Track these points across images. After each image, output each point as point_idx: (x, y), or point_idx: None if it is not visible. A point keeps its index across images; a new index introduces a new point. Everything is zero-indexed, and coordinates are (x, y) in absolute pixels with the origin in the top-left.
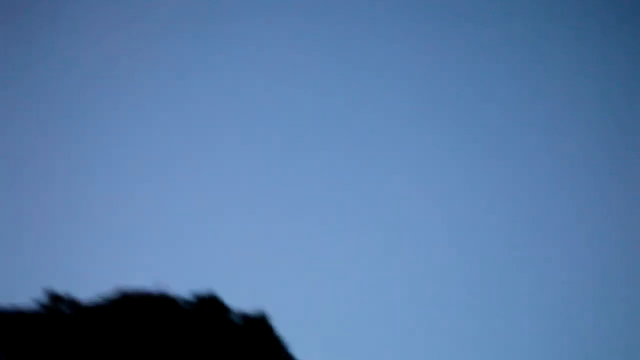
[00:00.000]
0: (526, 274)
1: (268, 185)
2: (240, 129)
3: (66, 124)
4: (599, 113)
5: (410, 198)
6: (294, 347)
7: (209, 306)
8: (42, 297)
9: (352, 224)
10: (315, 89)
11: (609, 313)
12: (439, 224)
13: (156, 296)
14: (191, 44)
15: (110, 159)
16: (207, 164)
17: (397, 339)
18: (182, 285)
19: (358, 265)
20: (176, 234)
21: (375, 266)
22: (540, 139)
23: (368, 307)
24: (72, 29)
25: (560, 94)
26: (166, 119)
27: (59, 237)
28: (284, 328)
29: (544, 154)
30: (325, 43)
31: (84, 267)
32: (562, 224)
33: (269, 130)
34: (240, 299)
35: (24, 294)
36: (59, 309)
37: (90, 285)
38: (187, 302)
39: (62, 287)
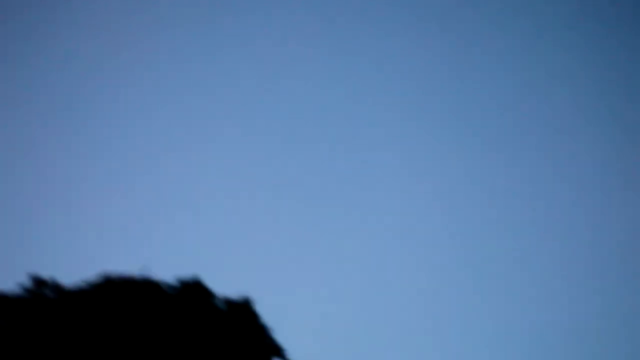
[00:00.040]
0: (526, 273)
1: (265, 181)
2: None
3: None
4: (600, 112)
5: (410, 198)
6: (278, 333)
7: (193, 291)
8: (26, 282)
9: (349, 222)
10: (315, 86)
11: (609, 313)
12: (439, 223)
13: (140, 281)
14: (189, 38)
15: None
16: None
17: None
18: (170, 273)
19: (358, 264)
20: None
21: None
22: (541, 138)
23: (367, 307)
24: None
25: (561, 91)
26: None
27: (44, 222)
28: (270, 314)
29: (544, 153)
30: (326, 39)
31: (69, 254)
32: (563, 223)
33: (265, 125)
34: (230, 288)
35: (7, 279)
36: (42, 293)
37: (75, 271)
38: (171, 287)
39: (47, 272)
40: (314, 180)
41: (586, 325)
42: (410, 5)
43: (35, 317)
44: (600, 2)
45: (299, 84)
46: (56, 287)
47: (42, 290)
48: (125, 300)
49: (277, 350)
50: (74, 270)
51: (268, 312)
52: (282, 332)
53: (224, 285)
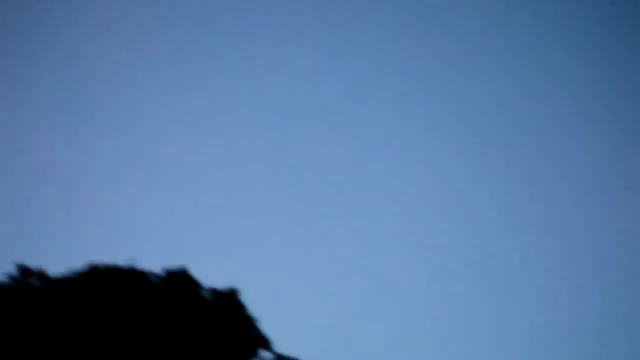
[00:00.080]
0: (526, 273)
1: (264, 180)
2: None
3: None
4: (600, 112)
5: (410, 197)
6: (263, 324)
7: (179, 281)
8: (13, 270)
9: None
10: (315, 86)
11: (609, 313)
12: (439, 223)
13: (125, 270)
14: (190, 39)
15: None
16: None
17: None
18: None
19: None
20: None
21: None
22: (540, 138)
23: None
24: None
25: (561, 91)
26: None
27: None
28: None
29: (544, 153)
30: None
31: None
32: (562, 223)
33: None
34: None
35: None
36: (28, 282)
37: (63, 260)
38: (157, 277)
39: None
40: (313, 179)
41: (586, 325)
42: (411, 5)
43: (21, 306)
44: (600, 2)
45: (299, 82)
46: (42, 276)
47: (28, 279)
48: (110, 289)
49: (263, 341)
50: (63, 260)
51: (255, 304)
52: (269, 324)
53: (223, 283)
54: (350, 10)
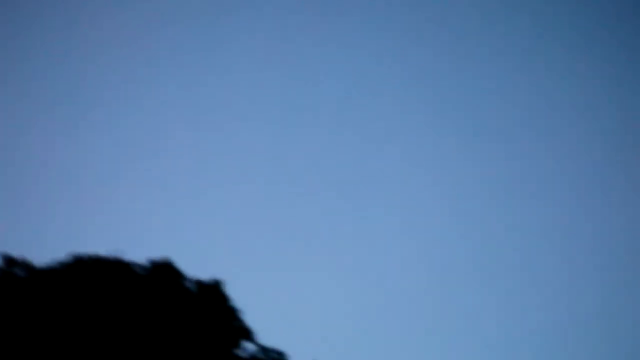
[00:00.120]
0: (526, 272)
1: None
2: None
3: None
4: (600, 112)
5: (409, 197)
6: (247, 315)
7: (163, 272)
8: None
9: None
10: (315, 85)
11: (609, 313)
12: (439, 223)
13: (110, 261)
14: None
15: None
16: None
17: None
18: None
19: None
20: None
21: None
22: (541, 138)
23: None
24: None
25: (561, 91)
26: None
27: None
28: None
29: (544, 153)
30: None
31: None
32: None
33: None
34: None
35: None
36: (13, 272)
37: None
38: (141, 268)
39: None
40: (313, 175)
41: (586, 325)
42: (412, 3)
43: (5, 296)
44: (600, 2)
45: (300, 79)
46: (27, 266)
47: (12, 269)
48: (94, 279)
49: (246, 332)
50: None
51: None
52: (252, 315)
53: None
54: (351, 6)
